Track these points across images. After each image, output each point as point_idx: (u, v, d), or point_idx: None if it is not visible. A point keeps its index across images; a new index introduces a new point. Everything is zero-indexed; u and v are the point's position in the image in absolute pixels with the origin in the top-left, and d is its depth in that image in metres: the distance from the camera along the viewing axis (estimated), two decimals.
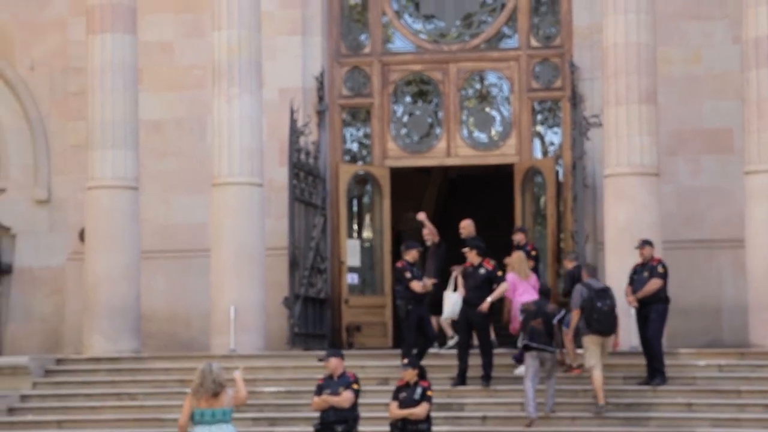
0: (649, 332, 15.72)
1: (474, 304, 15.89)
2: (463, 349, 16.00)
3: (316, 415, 13.06)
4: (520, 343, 15.52)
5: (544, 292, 16.08)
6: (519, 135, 20.39)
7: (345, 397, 12.79)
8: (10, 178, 21.22)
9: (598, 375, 15.08)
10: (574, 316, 15.54)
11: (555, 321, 15.34)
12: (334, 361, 13.09)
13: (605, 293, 15.45)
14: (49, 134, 21.14)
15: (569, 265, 17.00)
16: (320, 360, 13.41)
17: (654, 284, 15.83)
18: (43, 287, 20.87)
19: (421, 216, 18.50)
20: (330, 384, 12.98)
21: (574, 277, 16.32)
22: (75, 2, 20.40)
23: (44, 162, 21.10)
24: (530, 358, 15.08)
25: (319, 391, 12.98)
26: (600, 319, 15.20)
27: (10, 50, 21.38)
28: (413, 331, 16.10)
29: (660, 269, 15.94)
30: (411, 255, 16.30)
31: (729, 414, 15.02)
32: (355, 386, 12.92)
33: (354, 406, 12.92)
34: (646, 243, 16.07)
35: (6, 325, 20.89)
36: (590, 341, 15.28)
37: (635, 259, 16.61)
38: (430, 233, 18.27)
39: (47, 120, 21.20)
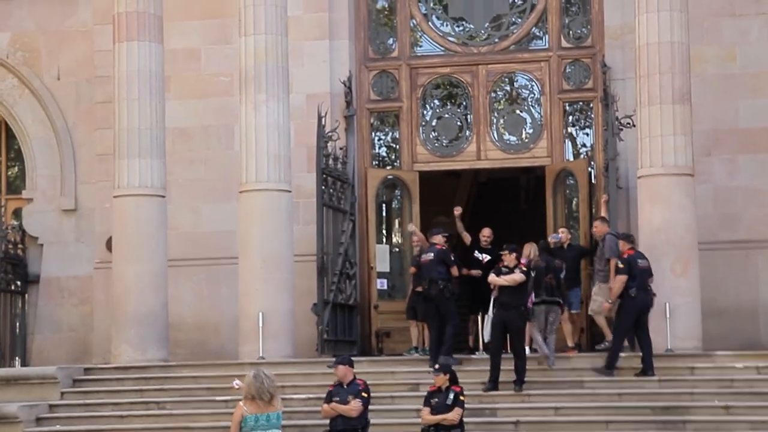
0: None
1: (512, 307, 15.64)
2: (497, 353, 15.72)
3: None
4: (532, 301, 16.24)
5: (545, 249, 16.84)
6: (550, 137, 20.12)
7: (353, 406, 12.65)
8: (37, 188, 21.20)
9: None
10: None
11: (562, 276, 16.45)
12: (342, 369, 12.97)
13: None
14: (76, 144, 21.10)
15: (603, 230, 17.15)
16: (329, 367, 13.25)
17: (618, 281, 15.93)
18: (70, 297, 20.81)
19: (458, 211, 18.95)
20: (339, 391, 12.88)
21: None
22: (101, 11, 20.32)
23: (71, 171, 21.05)
24: (540, 313, 16.18)
25: (329, 398, 12.90)
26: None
27: (36, 60, 21.40)
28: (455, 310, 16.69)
29: (620, 264, 16.03)
30: (437, 239, 16.88)
31: None
32: (364, 394, 12.76)
33: (363, 414, 12.74)
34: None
35: (34, 335, 20.84)
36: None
37: (672, 260, 16.39)
38: (420, 241, 18.30)
39: (73, 129, 21.17)
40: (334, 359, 13.97)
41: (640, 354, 15.99)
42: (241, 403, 10.97)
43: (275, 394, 11.00)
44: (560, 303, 16.48)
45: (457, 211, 18.92)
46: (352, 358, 13.70)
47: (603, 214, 17.94)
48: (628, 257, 16.08)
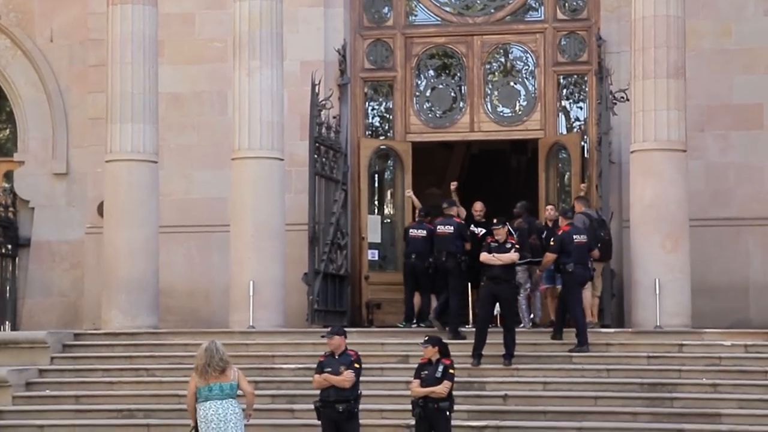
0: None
1: (503, 280, 15.65)
2: (485, 325, 15.74)
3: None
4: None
5: (528, 209, 17.77)
6: (544, 110, 20.09)
7: (346, 377, 12.62)
8: (29, 151, 21.12)
9: (588, 295, 16.75)
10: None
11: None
12: (338, 339, 12.88)
13: (604, 223, 17.10)
14: (68, 107, 21.01)
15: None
16: (323, 337, 13.21)
17: (547, 258, 16.27)
18: (61, 261, 20.78)
19: (454, 185, 18.92)
20: (331, 362, 12.76)
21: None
22: None
23: (62, 135, 20.97)
24: (522, 271, 16.90)
25: (320, 368, 12.76)
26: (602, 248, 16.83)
27: (30, 22, 21.27)
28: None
29: (552, 242, 16.31)
30: (454, 212, 17.30)
31: (755, 395, 14.73)
32: (356, 365, 12.72)
33: (355, 385, 12.74)
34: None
35: (24, 299, 20.82)
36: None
37: (662, 236, 16.43)
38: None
39: (66, 92, 21.06)
40: (325, 329, 13.94)
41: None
42: (193, 374, 11.50)
43: (227, 365, 11.60)
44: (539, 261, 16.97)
45: (453, 185, 18.88)
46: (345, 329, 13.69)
47: (582, 193, 18.06)
48: (562, 234, 16.23)
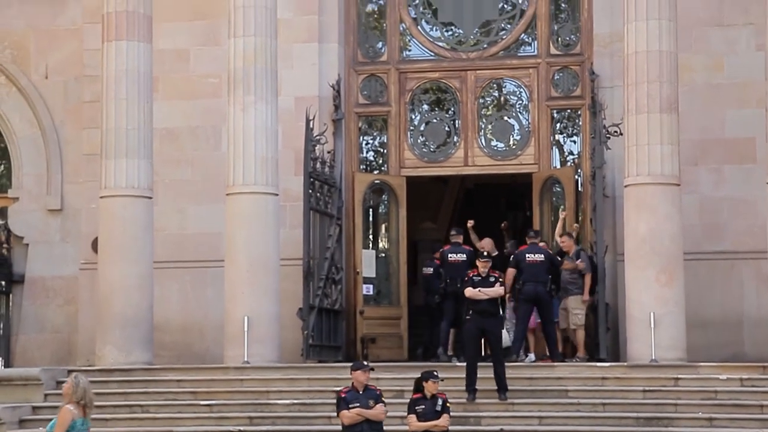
0: None
1: (490, 314, 15.64)
2: (474, 360, 15.70)
3: (330, 428, 12.77)
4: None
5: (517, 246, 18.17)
6: (538, 144, 20.14)
7: (381, 410, 12.54)
8: (23, 187, 21.11)
9: (582, 334, 17.41)
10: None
11: None
12: (366, 374, 12.79)
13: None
14: (63, 143, 21.03)
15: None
16: (356, 370, 12.87)
17: (507, 274, 17.03)
18: (55, 297, 20.72)
19: (470, 223, 19.32)
20: (357, 397, 12.53)
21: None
22: (90, 10, 20.25)
23: (57, 171, 20.97)
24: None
25: (345, 404, 12.52)
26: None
27: (25, 58, 21.31)
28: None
29: (510, 259, 17.44)
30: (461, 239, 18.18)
31: (751, 429, 14.72)
32: (383, 399, 12.68)
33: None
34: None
35: (18, 335, 20.76)
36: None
37: (657, 270, 16.48)
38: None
39: (60, 128, 21.09)
40: (323, 364, 13.85)
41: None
42: (69, 406, 11.29)
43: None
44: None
45: (470, 223, 19.26)
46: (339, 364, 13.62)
47: (569, 229, 18.25)
48: (519, 252, 17.43)
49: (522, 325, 17.32)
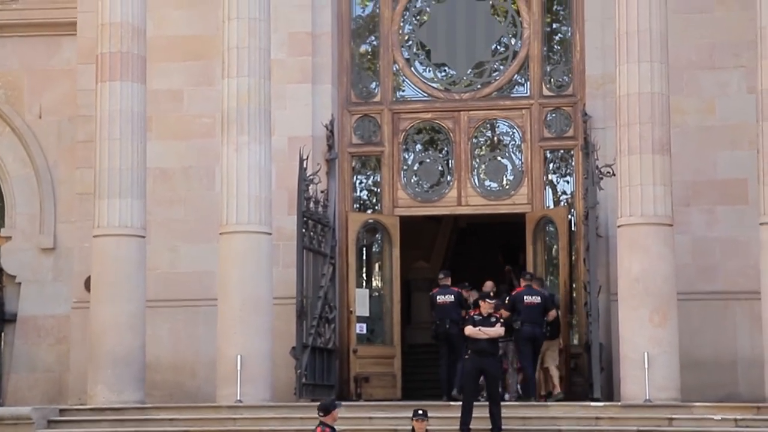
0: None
1: (489, 354, 15.69)
2: (471, 399, 15.68)
3: None
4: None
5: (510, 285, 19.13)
6: (531, 184, 20.21)
7: None
8: (16, 226, 21.12)
9: (553, 368, 18.22)
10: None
11: None
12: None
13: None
14: (56, 182, 21.05)
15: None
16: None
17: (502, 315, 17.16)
18: (47, 336, 20.68)
19: (508, 269, 20.56)
20: None
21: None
22: (85, 50, 20.33)
23: (50, 210, 20.98)
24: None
25: None
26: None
27: (19, 98, 21.39)
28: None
29: (506, 301, 17.98)
30: (449, 281, 18.43)
31: None
32: None
33: None
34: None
35: (9, 374, 20.66)
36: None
37: (650, 310, 16.52)
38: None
39: (54, 168, 21.13)
40: (316, 403, 13.88)
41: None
42: None
43: None
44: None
45: (508, 269, 20.57)
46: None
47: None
48: (515, 294, 18.05)
49: (527, 362, 17.78)
